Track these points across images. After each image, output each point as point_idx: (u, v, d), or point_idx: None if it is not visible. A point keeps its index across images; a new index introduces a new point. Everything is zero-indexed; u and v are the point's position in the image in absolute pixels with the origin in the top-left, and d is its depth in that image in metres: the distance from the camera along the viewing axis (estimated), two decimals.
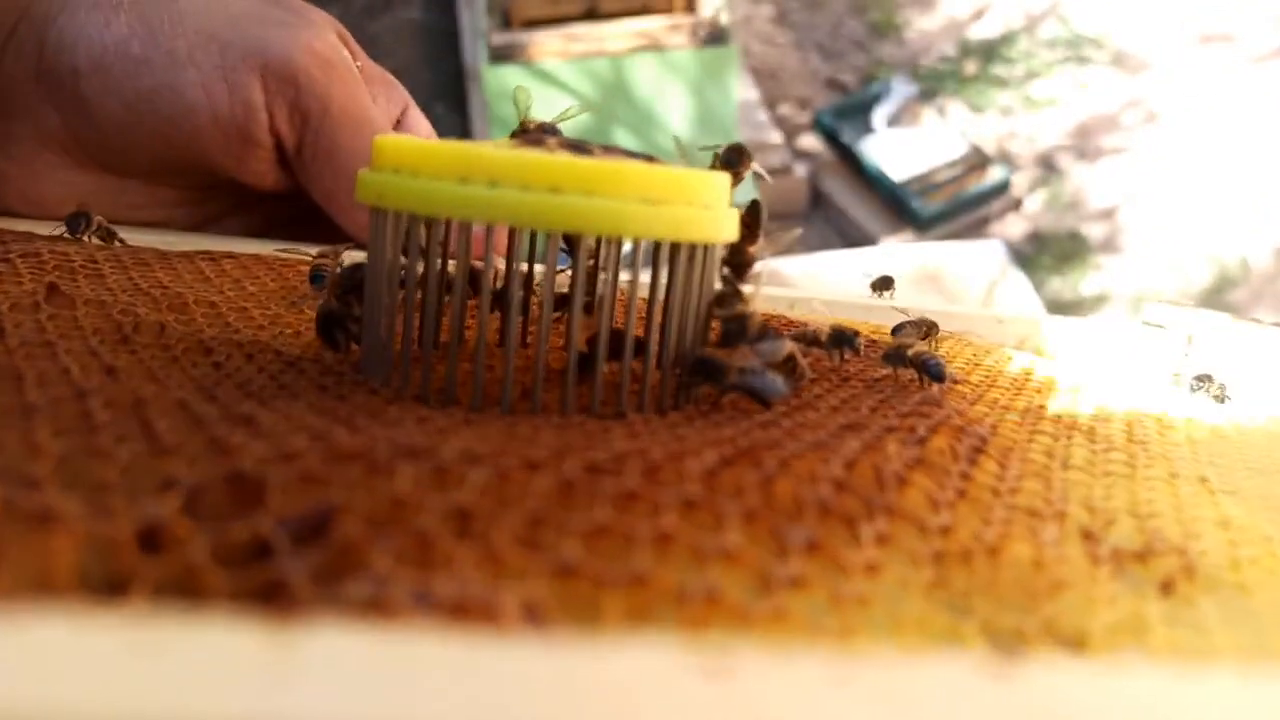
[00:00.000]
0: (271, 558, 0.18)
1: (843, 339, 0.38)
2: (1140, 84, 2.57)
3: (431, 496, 0.19)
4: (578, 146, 0.31)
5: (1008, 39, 2.68)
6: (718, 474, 0.23)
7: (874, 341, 0.45)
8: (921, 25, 2.74)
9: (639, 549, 0.20)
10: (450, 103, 2.38)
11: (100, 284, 0.39)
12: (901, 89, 2.50)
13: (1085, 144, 2.52)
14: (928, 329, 0.48)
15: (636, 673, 0.12)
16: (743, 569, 0.20)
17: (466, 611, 0.16)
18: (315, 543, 0.18)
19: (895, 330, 0.47)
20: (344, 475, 0.20)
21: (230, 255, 0.46)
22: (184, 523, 0.18)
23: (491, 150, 0.29)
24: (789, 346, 0.33)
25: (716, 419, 0.30)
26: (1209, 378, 0.47)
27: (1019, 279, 2.18)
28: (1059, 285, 2.31)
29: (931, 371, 0.37)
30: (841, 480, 0.24)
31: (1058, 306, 2.20)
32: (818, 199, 2.41)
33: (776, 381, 0.30)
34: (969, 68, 2.64)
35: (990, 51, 2.67)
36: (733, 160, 0.37)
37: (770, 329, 0.33)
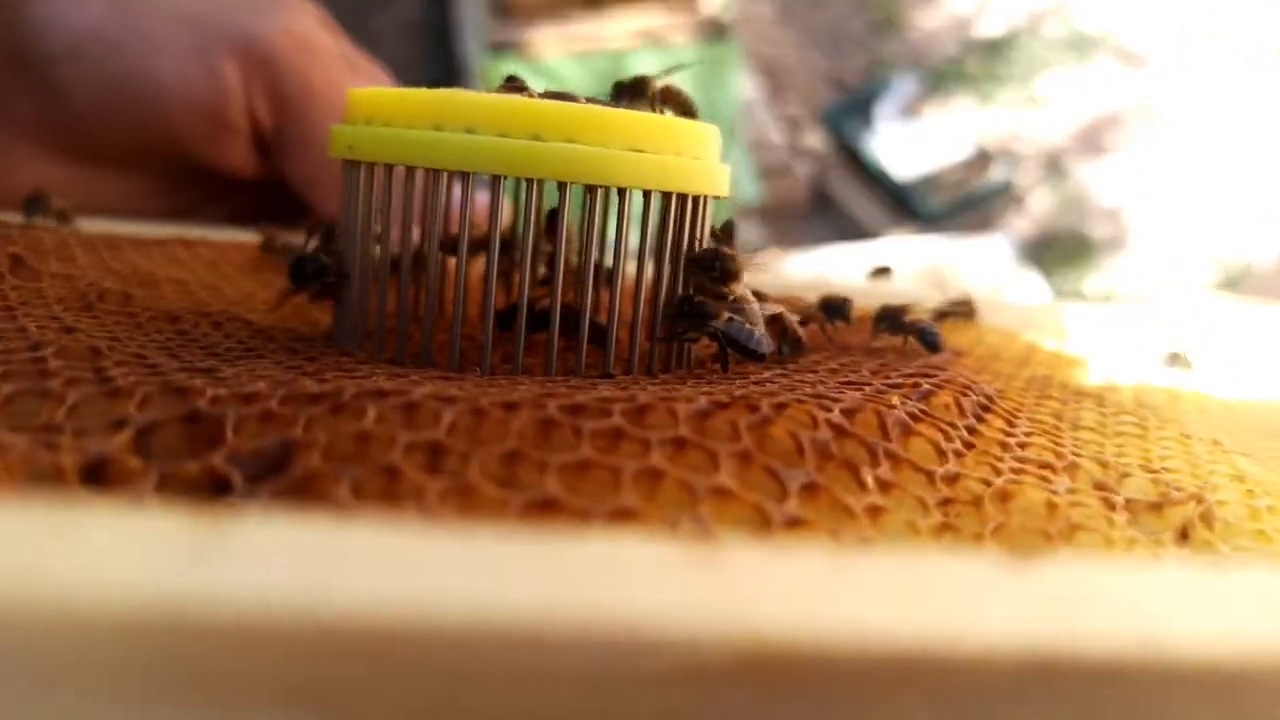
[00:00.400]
0: (227, 494, 0.17)
1: (833, 308, 0.37)
2: (1144, 82, 2.57)
3: (400, 433, 0.19)
4: (561, 96, 0.30)
5: (1010, 37, 2.69)
6: (711, 416, 0.22)
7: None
8: (924, 23, 2.74)
9: (626, 485, 0.19)
10: None
11: (70, 263, 0.38)
12: (903, 86, 2.50)
13: (1089, 142, 2.52)
14: (966, 308, 0.48)
15: (611, 559, 0.11)
16: (738, 508, 0.20)
17: None
18: (274, 479, 0.17)
19: (939, 314, 0.47)
20: (306, 414, 0.19)
21: (206, 241, 0.46)
22: (132, 458, 0.18)
23: (468, 95, 0.28)
24: (778, 308, 0.32)
25: (709, 378, 0.29)
26: (1180, 355, 0.47)
27: (1030, 276, 2.17)
28: (1063, 284, 2.30)
29: (927, 339, 0.35)
30: (843, 426, 0.23)
31: None
32: (820, 197, 2.41)
33: (763, 336, 0.29)
34: (972, 65, 2.64)
35: (993, 49, 2.67)
36: (621, 94, 0.33)
37: (759, 294, 0.32)
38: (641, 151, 0.28)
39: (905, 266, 2.08)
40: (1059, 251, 2.37)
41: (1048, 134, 2.53)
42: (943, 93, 2.58)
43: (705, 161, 0.30)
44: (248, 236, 0.47)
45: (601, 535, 0.12)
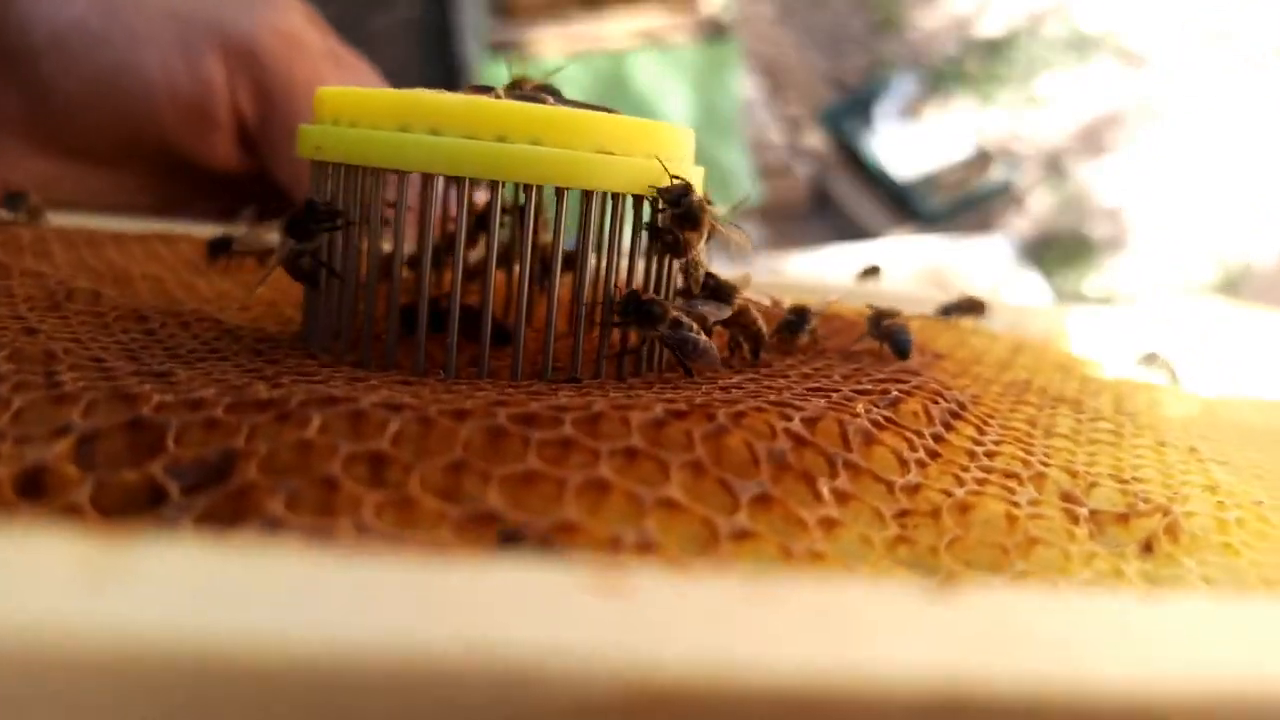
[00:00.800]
0: (163, 505, 0.17)
1: (791, 323, 0.35)
2: (1144, 82, 2.56)
3: (343, 443, 0.18)
4: (529, 96, 0.29)
5: (1010, 37, 2.68)
6: (666, 425, 0.21)
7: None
8: (924, 23, 2.73)
9: (570, 498, 0.18)
10: None
11: (45, 260, 0.38)
12: (903, 86, 2.49)
13: (1089, 142, 2.51)
14: (973, 307, 0.47)
15: (513, 587, 0.11)
16: (685, 521, 0.19)
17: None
18: (212, 488, 0.17)
19: (945, 310, 0.47)
20: (251, 422, 0.19)
21: (188, 237, 0.45)
22: (70, 467, 0.17)
23: (434, 97, 0.27)
24: (736, 310, 0.32)
25: (677, 383, 0.29)
26: (1155, 356, 0.47)
27: (1030, 276, 2.17)
28: (1063, 284, 2.29)
29: (897, 342, 0.35)
30: (802, 435, 0.23)
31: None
32: (820, 197, 2.41)
33: (710, 347, 0.29)
34: (972, 65, 2.63)
35: (993, 49, 2.66)
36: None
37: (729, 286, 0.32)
38: (610, 154, 0.28)
39: (905, 266, 2.07)
40: (1059, 251, 2.37)
41: (1048, 134, 2.52)
42: (943, 93, 2.57)
43: (676, 163, 0.30)
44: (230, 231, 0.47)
45: (508, 562, 0.12)
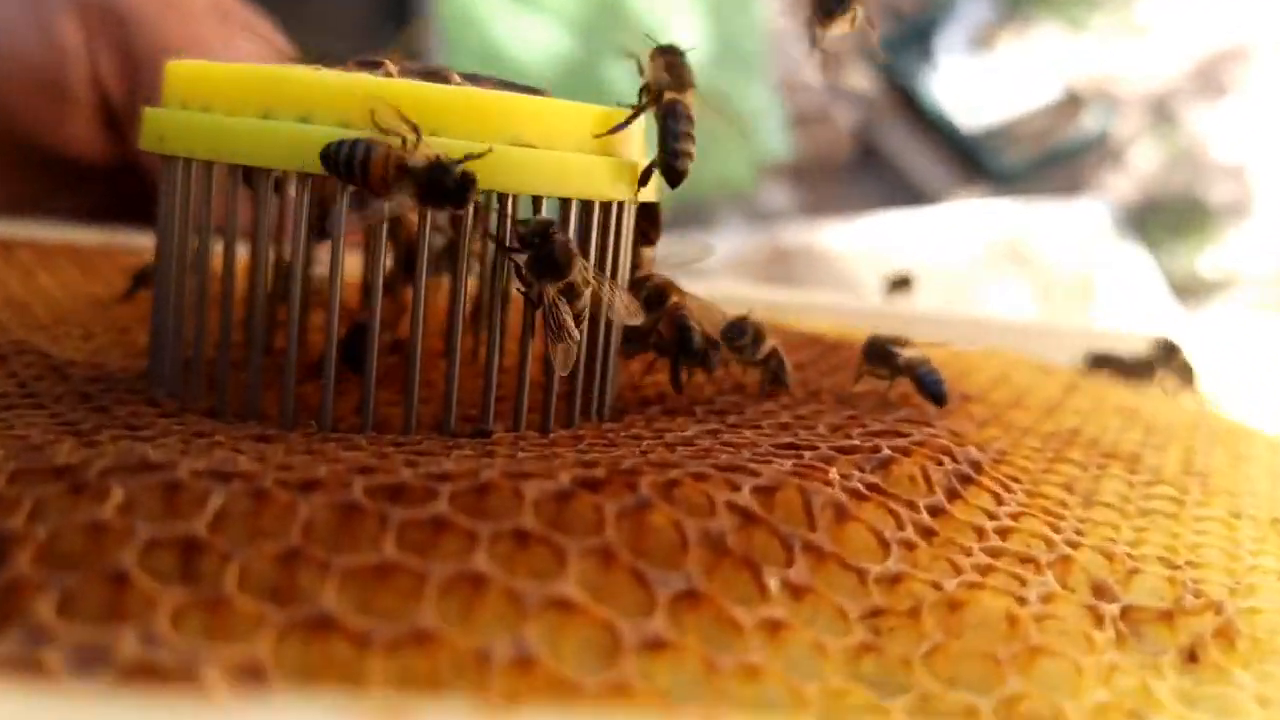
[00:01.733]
0: None
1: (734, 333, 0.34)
2: (1274, 7, 2.56)
3: (144, 525, 0.19)
4: (431, 73, 0.29)
5: None
6: (573, 499, 0.22)
7: None
8: None
9: (431, 597, 0.19)
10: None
11: None
12: (972, 11, 2.50)
13: (1205, 82, 2.50)
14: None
15: None
16: (581, 627, 0.19)
17: (154, 676, 0.16)
18: None
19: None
20: (37, 495, 0.19)
21: (32, 244, 0.46)
22: None
23: (304, 75, 0.27)
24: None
25: (611, 437, 0.29)
26: (1174, 350, 0.46)
27: (1132, 251, 2.17)
28: (1172, 261, 2.29)
29: (927, 385, 0.34)
30: (751, 510, 0.23)
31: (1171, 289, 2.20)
32: (866, 151, 2.41)
33: (564, 338, 0.29)
34: None
35: None
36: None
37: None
38: (531, 146, 0.28)
39: (974, 238, 2.08)
40: (1167, 219, 2.37)
41: (1153, 71, 2.52)
42: (1021, 19, 2.57)
43: (620, 159, 0.30)
44: (88, 237, 0.47)
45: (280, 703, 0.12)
